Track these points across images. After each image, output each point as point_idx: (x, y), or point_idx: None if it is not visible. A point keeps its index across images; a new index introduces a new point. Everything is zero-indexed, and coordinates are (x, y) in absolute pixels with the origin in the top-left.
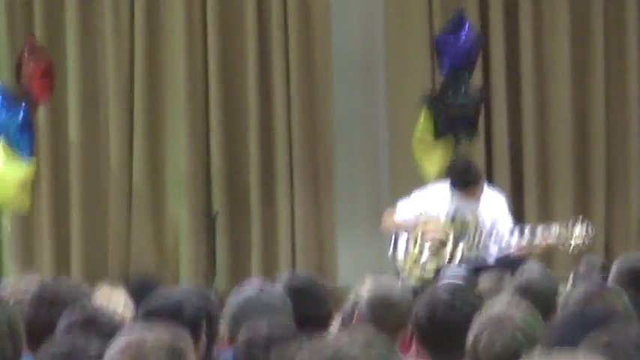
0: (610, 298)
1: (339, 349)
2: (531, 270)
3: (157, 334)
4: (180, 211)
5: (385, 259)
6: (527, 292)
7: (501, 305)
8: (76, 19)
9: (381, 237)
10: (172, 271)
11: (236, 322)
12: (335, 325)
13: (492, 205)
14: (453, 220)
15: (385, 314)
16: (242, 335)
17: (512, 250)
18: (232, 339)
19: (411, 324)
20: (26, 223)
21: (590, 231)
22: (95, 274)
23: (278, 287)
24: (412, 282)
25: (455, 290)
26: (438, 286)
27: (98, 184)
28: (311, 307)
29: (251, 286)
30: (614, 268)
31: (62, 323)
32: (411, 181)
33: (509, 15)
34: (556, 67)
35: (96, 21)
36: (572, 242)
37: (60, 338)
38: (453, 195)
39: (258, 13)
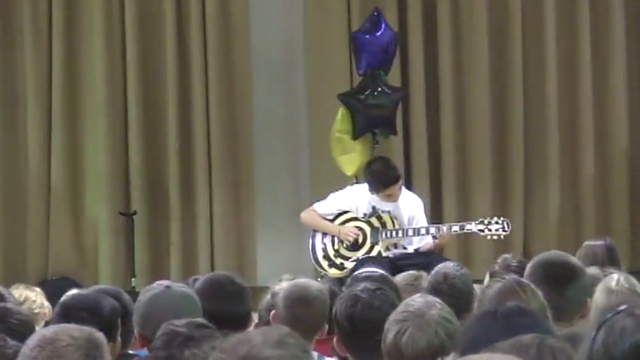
0: (525, 295)
1: (252, 349)
2: (447, 267)
3: (73, 333)
4: (99, 210)
5: (304, 258)
6: (444, 290)
7: (419, 303)
8: None
9: (300, 236)
10: (91, 270)
11: (144, 320)
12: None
13: (410, 204)
14: (370, 218)
15: (302, 313)
16: (159, 334)
17: (429, 246)
18: (143, 337)
19: (329, 323)
20: None
21: (507, 227)
22: (14, 273)
23: (186, 285)
24: (330, 280)
25: (373, 289)
26: (356, 285)
27: (17, 183)
28: (230, 306)
29: (158, 285)
30: (529, 265)
31: None
32: (331, 179)
33: (427, 14)
34: (474, 66)
35: (14, 20)
36: (489, 238)
37: None
38: (370, 193)
39: (177, 13)
